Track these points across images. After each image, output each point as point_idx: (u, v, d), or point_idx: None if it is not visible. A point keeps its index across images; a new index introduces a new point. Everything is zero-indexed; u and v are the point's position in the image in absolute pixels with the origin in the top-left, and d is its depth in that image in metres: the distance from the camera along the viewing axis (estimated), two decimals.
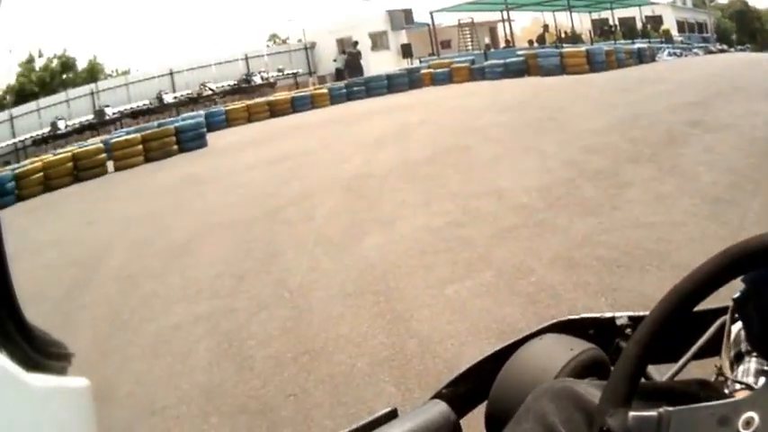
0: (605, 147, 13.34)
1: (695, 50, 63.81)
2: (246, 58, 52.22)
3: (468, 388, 2.07)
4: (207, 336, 6.69)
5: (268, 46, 64.00)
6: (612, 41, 52.68)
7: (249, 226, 10.76)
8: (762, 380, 1.64)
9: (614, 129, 15.38)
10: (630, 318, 2.08)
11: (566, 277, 6.67)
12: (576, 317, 2.25)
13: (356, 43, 52.44)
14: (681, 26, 79.91)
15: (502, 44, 54.11)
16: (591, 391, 1.39)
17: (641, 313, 2.17)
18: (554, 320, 2.23)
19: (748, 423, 1.11)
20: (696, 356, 2.07)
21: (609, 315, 2.04)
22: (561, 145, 14.01)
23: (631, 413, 1.18)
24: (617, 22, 63.51)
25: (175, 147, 23.53)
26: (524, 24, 66.63)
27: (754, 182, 9.88)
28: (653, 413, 1.18)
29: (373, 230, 9.15)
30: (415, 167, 13.33)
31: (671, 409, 1.20)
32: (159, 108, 39.09)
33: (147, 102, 39.99)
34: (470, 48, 53.24)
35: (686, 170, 10.95)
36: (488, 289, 6.59)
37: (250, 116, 31.79)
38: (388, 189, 11.71)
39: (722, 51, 72.92)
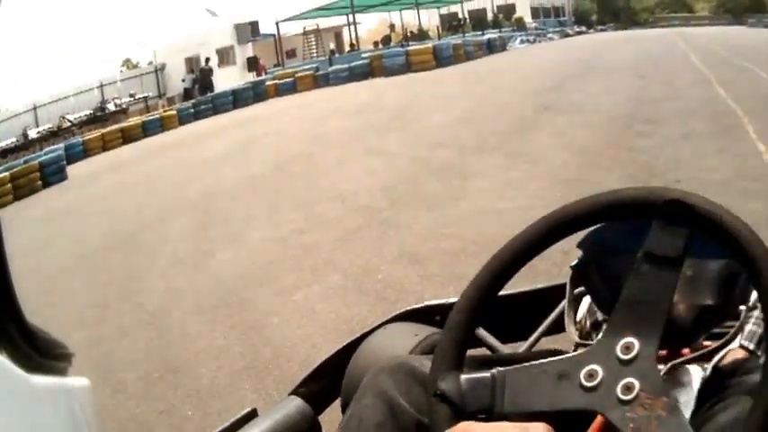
0: (451, 141, 13.69)
1: (550, 35, 65.08)
2: (101, 86, 51.76)
3: (323, 383, 2.24)
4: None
5: (122, 71, 63.51)
6: (461, 35, 53.05)
7: (105, 249, 10.88)
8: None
9: (460, 121, 15.83)
10: None
11: (412, 272, 6.90)
12: (420, 305, 2.42)
13: (207, 60, 52.39)
14: (536, 12, 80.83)
15: (347, 48, 54.37)
16: (426, 363, 1.45)
17: None
18: (399, 311, 2.42)
19: (591, 375, 1.22)
20: (548, 332, 2.26)
21: (452, 300, 2.03)
22: (405, 143, 14.41)
23: (463, 376, 1.29)
24: (467, 15, 64.01)
25: (39, 182, 23.16)
26: (371, 26, 66.87)
27: (610, 158, 10.33)
28: (486, 374, 1.29)
29: (222, 247, 9.33)
30: (259, 181, 13.58)
31: (505, 369, 1.30)
32: (25, 144, 38.30)
33: (14, 139, 39.21)
34: (315, 55, 53.50)
35: (535, 155, 11.31)
36: (336, 291, 6.83)
37: (105, 144, 31.71)
38: (233, 205, 11.90)
39: (580, 33, 74.55)
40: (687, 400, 1.52)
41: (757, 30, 75.34)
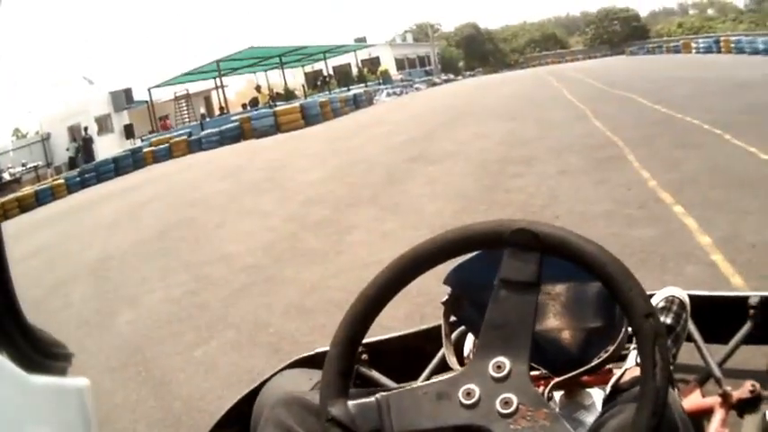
0: (324, 197, 14.01)
1: (417, 86, 65.20)
2: None
3: (230, 430, 2.40)
4: None
5: (12, 141, 62.39)
6: (327, 92, 53.10)
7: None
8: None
9: (332, 178, 16.12)
10: (363, 344, 2.11)
11: (301, 323, 7.14)
12: (312, 352, 2.59)
13: (86, 129, 52.01)
14: (401, 63, 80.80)
15: (217, 112, 54.17)
16: (317, 398, 1.47)
17: (372, 339, 2.56)
18: (293, 359, 2.61)
19: (469, 394, 1.31)
20: (439, 369, 2.40)
21: None
22: (280, 202, 14.72)
23: (350, 401, 1.38)
24: (331, 72, 63.87)
25: None
26: (239, 89, 66.67)
27: (486, 202, 10.48)
28: (371, 399, 1.38)
29: (122, 309, 9.48)
30: (147, 245, 13.69)
31: (387, 393, 1.40)
32: None
33: None
34: (187, 120, 53.16)
35: (409, 205, 11.58)
36: (232, 346, 7.02)
37: (5, 213, 31.61)
38: (126, 270, 11.99)
39: (447, 81, 74.82)
40: (592, 421, 1.67)
41: (638, 57, 76.40)
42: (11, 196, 35.75)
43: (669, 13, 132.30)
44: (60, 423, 1.35)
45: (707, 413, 2.15)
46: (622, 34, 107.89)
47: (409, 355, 2.56)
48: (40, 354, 1.42)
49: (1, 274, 1.40)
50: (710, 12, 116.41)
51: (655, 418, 1.20)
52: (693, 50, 64.35)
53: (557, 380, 1.73)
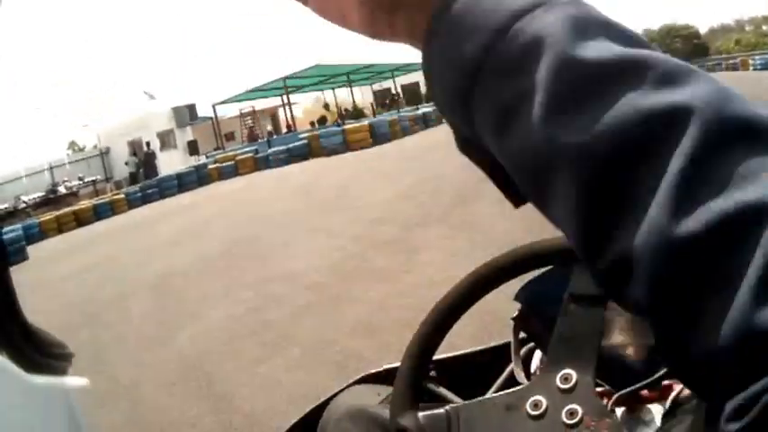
0: (394, 216, 13.97)
1: None
2: (51, 168, 51.87)
3: None
4: None
5: (68, 154, 63.50)
6: (396, 111, 53.10)
7: (71, 327, 10.85)
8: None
9: (401, 197, 16.10)
10: (432, 361, 1.94)
11: (368, 342, 7.14)
12: (380, 369, 2.50)
13: (148, 144, 52.77)
14: None
15: (284, 129, 54.45)
16: (384, 411, 1.56)
17: (441, 356, 2.39)
18: (360, 375, 2.52)
19: (536, 405, 1.32)
20: (506, 386, 2.18)
21: None
22: (350, 221, 14.65)
23: (420, 413, 1.39)
24: (399, 90, 63.91)
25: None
26: (306, 106, 67.13)
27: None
28: (440, 410, 1.39)
29: (184, 325, 9.54)
30: (210, 262, 13.81)
31: (457, 404, 1.42)
32: None
33: None
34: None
35: (478, 225, 11.43)
36: (297, 363, 7.04)
37: (60, 226, 32.12)
38: (188, 286, 12.15)
39: None
40: None
41: None
42: (67, 209, 36.44)
43: (727, 29, 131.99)
44: (60, 423, 1.33)
45: None
46: (684, 51, 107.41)
47: (478, 373, 2.33)
48: (40, 354, 1.42)
49: (1, 274, 1.41)
50: (765, 27, 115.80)
51: (710, 428, 1.12)
52: (751, 67, 64.52)
53: (619, 393, 1.66)
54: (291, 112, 52.66)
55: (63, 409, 1.34)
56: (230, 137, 57.68)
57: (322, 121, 53.55)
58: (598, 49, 0.53)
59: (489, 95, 0.56)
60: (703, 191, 0.45)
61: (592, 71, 0.52)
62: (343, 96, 61.82)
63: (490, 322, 5.91)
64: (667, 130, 0.48)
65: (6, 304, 1.38)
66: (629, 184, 0.48)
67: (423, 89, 69.20)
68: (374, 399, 2.12)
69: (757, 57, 66.61)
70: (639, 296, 0.49)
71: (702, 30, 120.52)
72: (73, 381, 1.40)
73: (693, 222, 0.44)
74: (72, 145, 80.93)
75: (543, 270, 1.66)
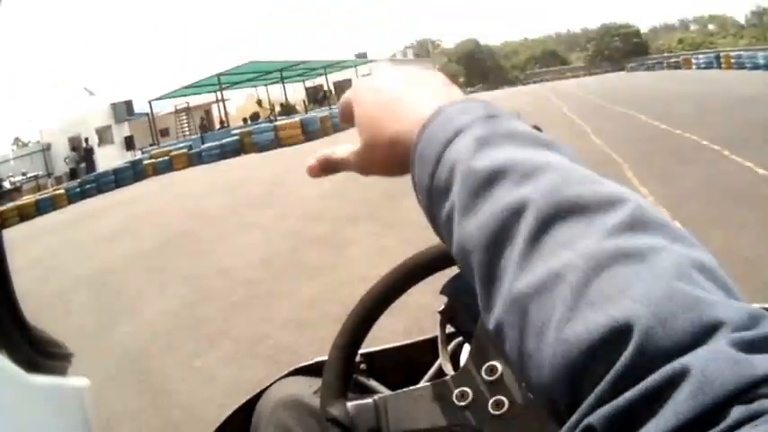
0: (323, 212, 14.16)
1: None
2: None
3: None
4: None
5: (13, 150, 62.70)
6: (328, 107, 53.05)
7: None
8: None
9: (331, 194, 16.04)
10: (361, 354, 2.05)
11: (300, 336, 7.25)
12: (312, 361, 2.44)
13: (87, 140, 52.17)
14: None
15: (217, 125, 54.15)
16: (316, 400, 1.55)
17: (370, 349, 2.37)
18: (293, 368, 2.47)
19: (463, 395, 1.34)
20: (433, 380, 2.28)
21: None
22: (280, 217, 14.86)
23: (349, 403, 1.41)
24: (332, 87, 63.64)
25: None
26: (239, 103, 66.66)
27: None
28: (369, 400, 1.41)
29: (121, 320, 9.54)
30: (147, 257, 13.84)
31: (385, 395, 1.43)
32: None
33: None
34: (188, 133, 53.20)
35: (407, 220, 11.15)
36: (232, 357, 7.12)
37: (4, 222, 31.51)
38: (126, 281, 12.12)
39: None
40: None
41: (637, 73, 75.87)
42: (11, 205, 36.04)
43: (670, 28, 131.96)
44: (60, 423, 1.36)
45: None
46: (623, 50, 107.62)
47: (408, 366, 2.40)
48: (40, 354, 1.43)
49: (1, 274, 1.42)
50: (711, 27, 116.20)
51: None
52: (693, 66, 64.65)
53: None
54: (225, 108, 52.38)
55: (64, 409, 1.38)
56: (165, 132, 57.22)
57: (254, 117, 53.30)
58: (490, 157, 0.68)
59: (439, 210, 0.74)
60: (533, 261, 0.59)
61: (481, 176, 0.67)
62: (275, 94, 61.49)
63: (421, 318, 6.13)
64: (514, 219, 0.62)
65: (6, 304, 1.39)
66: (497, 264, 0.63)
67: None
68: (306, 390, 2.10)
69: (701, 56, 66.73)
70: (498, 342, 0.64)
71: (644, 29, 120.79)
72: (73, 381, 1.47)
73: (520, 283, 0.58)
74: (17, 140, 79.77)
75: None
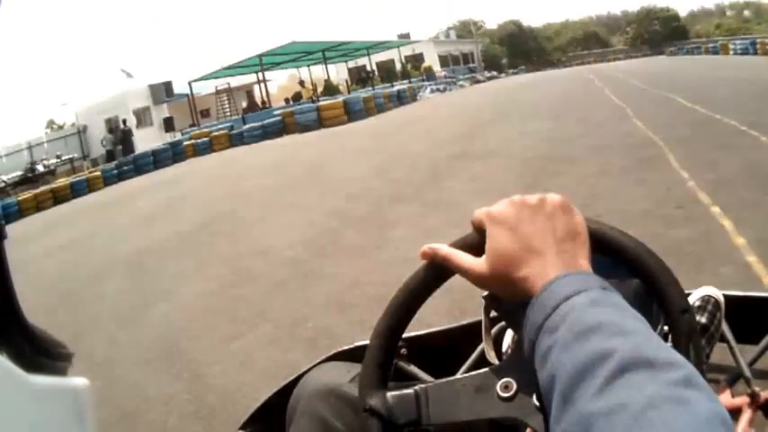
0: (367, 193, 14.08)
1: (461, 83, 65.23)
2: (30, 147, 51.84)
3: (265, 422, 2.33)
4: None
5: (47, 132, 63.50)
6: (371, 87, 53.22)
7: (47, 307, 10.81)
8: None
9: (374, 174, 16.21)
10: (403, 339, 1.96)
11: (340, 319, 7.14)
12: (351, 346, 2.48)
13: (125, 121, 52.80)
14: (444, 60, 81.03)
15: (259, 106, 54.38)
16: (355, 390, 1.45)
17: (412, 334, 2.49)
18: (331, 352, 2.49)
19: (506, 387, 1.28)
20: (478, 365, 2.29)
21: None
22: (323, 197, 14.77)
23: (389, 393, 1.34)
24: (375, 68, 64.04)
25: None
26: (281, 83, 67.08)
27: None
28: (409, 390, 1.34)
29: (159, 301, 9.51)
30: (186, 238, 13.84)
31: (426, 384, 1.37)
32: None
33: None
34: (229, 114, 53.48)
35: (451, 202, 11.55)
36: (270, 339, 7.02)
37: (38, 204, 32.21)
38: (164, 262, 12.13)
39: (491, 79, 74.85)
40: None
41: (678, 57, 76.23)
42: (45, 188, 36.41)
43: (707, 13, 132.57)
44: (60, 423, 1.31)
45: (735, 413, 2.11)
46: (662, 34, 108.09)
47: (449, 351, 2.49)
48: (40, 354, 1.42)
49: (1, 274, 1.37)
50: (746, 13, 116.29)
51: None
52: (731, 52, 65.00)
53: None
54: (267, 88, 52.66)
55: (64, 409, 1.33)
56: (206, 114, 57.63)
57: (297, 97, 53.49)
58: (595, 315, 0.90)
59: (541, 344, 0.95)
60: (606, 393, 0.77)
61: (585, 326, 0.88)
62: (318, 74, 61.82)
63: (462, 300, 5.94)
64: (601, 361, 0.80)
65: (6, 304, 1.37)
66: (576, 390, 0.81)
67: (398, 66, 69.10)
68: (344, 377, 2.06)
69: (738, 42, 67.29)
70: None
71: (682, 13, 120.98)
72: (73, 381, 1.39)
73: (593, 406, 0.77)
74: (50, 123, 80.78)
75: None
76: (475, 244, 1.26)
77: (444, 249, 1.25)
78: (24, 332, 1.39)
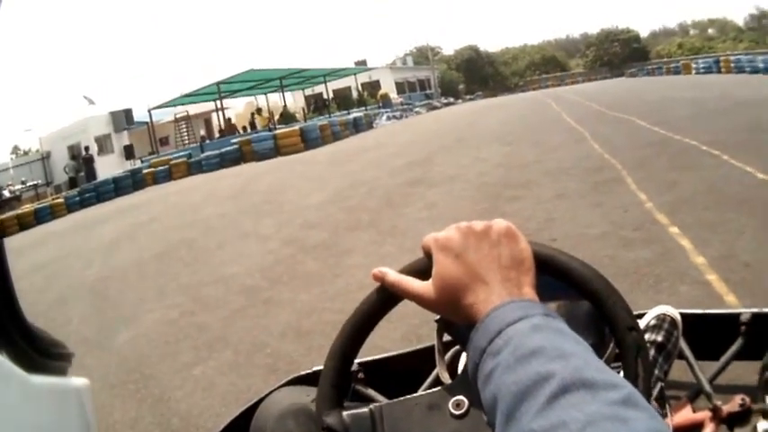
0: (324, 220, 14.13)
1: (417, 109, 65.00)
2: None
3: None
4: None
5: (12, 158, 63.08)
6: (327, 115, 53.18)
7: None
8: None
9: (331, 202, 16.25)
10: (360, 363, 2.29)
11: (299, 345, 7.26)
12: (309, 371, 2.58)
13: (87, 148, 52.37)
14: (401, 87, 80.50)
15: (217, 134, 54.27)
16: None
17: (369, 358, 2.62)
18: (289, 377, 2.59)
19: (458, 405, 1.31)
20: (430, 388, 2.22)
21: None
22: (279, 226, 14.81)
23: (345, 412, 1.38)
24: (331, 95, 63.75)
25: None
26: (239, 110, 66.86)
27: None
28: (365, 409, 1.38)
29: (120, 328, 9.55)
30: (147, 266, 13.83)
31: (381, 403, 1.40)
32: None
33: None
34: (187, 142, 53.28)
35: (407, 229, 11.67)
36: (230, 366, 7.11)
37: (4, 230, 31.62)
38: (126, 290, 12.12)
39: (447, 105, 74.58)
40: None
41: (638, 79, 76.24)
42: (10, 213, 36.17)
43: (669, 33, 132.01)
44: (60, 423, 1.36)
45: (697, 428, 2.24)
46: (623, 56, 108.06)
47: (406, 375, 2.56)
48: (40, 354, 1.45)
49: (1, 275, 1.45)
50: (711, 31, 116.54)
51: None
52: (693, 71, 64.86)
53: None
54: (225, 116, 52.50)
55: (64, 409, 1.39)
56: (165, 141, 57.44)
57: (253, 125, 53.35)
58: (537, 340, 0.94)
59: (484, 366, 0.99)
60: (547, 412, 0.81)
61: (527, 349, 0.92)
62: (274, 101, 61.67)
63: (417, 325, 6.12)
64: (543, 382, 0.85)
65: (6, 305, 1.42)
66: (519, 409, 0.85)
67: (354, 94, 68.94)
68: (304, 400, 2.13)
69: (700, 60, 67.13)
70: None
71: (643, 34, 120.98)
72: (73, 381, 1.49)
73: (535, 424, 0.81)
74: (15, 149, 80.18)
75: None
76: (423, 269, 1.29)
77: (392, 275, 1.30)
78: (24, 332, 1.44)
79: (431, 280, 1.21)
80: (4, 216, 35.24)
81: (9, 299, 1.45)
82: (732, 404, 2.22)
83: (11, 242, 27.84)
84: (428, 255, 1.25)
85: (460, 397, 1.34)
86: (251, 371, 6.96)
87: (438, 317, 1.53)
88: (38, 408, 1.28)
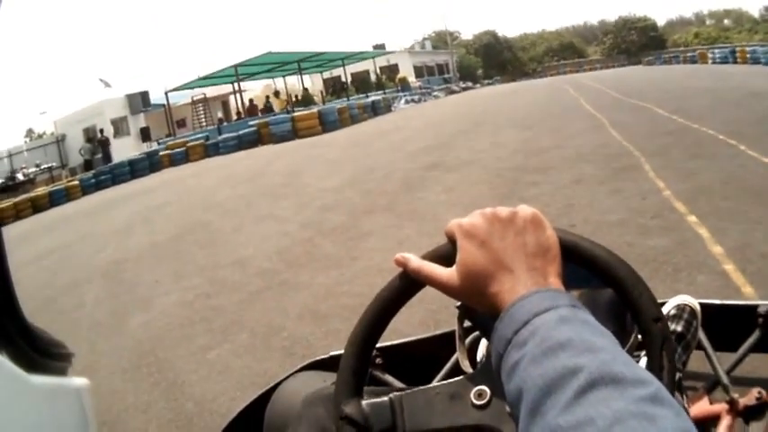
0: (341, 203, 14.12)
1: (435, 93, 65.08)
2: (10, 156, 51.69)
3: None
4: None
5: (26, 141, 63.34)
6: (345, 98, 53.07)
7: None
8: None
9: (349, 185, 16.26)
10: (378, 348, 2.23)
11: (315, 328, 7.19)
12: (326, 356, 2.55)
13: (102, 131, 52.47)
14: (419, 71, 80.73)
15: (234, 117, 54.24)
16: None
17: (387, 343, 2.58)
18: (306, 362, 2.58)
19: (480, 395, 1.28)
20: (454, 373, 2.28)
21: None
22: (297, 208, 14.76)
23: (364, 401, 1.33)
24: (350, 78, 63.76)
25: None
26: (257, 93, 66.86)
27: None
28: (384, 398, 1.34)
29: (135, 311, 9.54)
30: (162, 249, 13.84)
31: (401, 392, 1.36)
32: None
33: None
34: (204, 124, 53.32)
35: (426, 213, 11.60)
36: (246, 349, 7.05)
37: (18, 213, 32.21)
38: (141, 272, 12.10)
39: (466, 89, 74.64)
40: None
41: (655, 67, 76.15)
42: (24, 196, 36.40)
43: (686, 22, 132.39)
44: (60, 423, 1.35)
45: (714, 420, 2.19)
46: (639, 44, 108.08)
47: (424, 360, 2.56)
48: (40, 354, 1.43)
49: (1, 275, 1.41)
50: (726, 22, 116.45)
51: None
52: (710, 61, 64.91)
53: None
54: (242, 99, 52.52)
55: (64, 409, 1.38)
56: (182, 123, 57.53)
57: (268, 109, 53.34)
58: (564, 332, 0.91)
59: (508, 357, 0.96)
60: (575, 407, 0.79)
61: (555, 342, 0.89)
62: (292, 84, 61.67)
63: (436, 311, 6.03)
64: (570, 376, 0.82)
65: (6, 304, 1.39)
66: (545, 403, 0.83)
67: (373, 77, 68.98)
68: (320, 385, 2.04)
69: (716, 50, 67.04)
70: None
71: (660, 22, 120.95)
72: (73, 381, 1.46)
73: (561, 420, 0.78)
74: (30, 132, 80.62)
75: None
76: (447, 255, 1.27)
77: (415, 261, 1.26)
78: (24, 332, 1.41)
79: (454, 267, 1.19)
80: (17, 199, 35.46)
81: (9, 298, 1.41)
82: (749, 397, 2.21)
83: (25, 224, 27.93)
84: (452, 241, 1.23)
85: (483, 387, 1.31)
86: (267, 354, 6.90)
87: (459, 303, 1.53)
88: (38, 408, 1.27)
